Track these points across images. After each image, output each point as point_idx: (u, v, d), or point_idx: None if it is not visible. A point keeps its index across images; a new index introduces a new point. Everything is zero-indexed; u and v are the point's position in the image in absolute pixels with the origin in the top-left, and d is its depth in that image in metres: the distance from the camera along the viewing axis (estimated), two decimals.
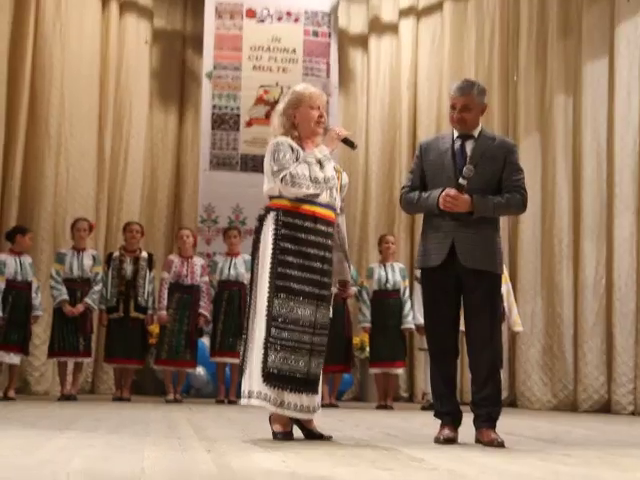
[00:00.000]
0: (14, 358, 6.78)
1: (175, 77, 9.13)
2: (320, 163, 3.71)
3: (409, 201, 4.01)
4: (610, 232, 7.78)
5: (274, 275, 3.66)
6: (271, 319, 3.64)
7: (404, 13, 9.23)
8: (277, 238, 3.69)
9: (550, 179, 8.19)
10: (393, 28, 9.28)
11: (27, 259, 6.95)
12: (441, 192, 3.81)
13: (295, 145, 3.76)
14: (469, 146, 3.94)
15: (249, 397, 3.67)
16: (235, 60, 8.72)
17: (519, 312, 7.37)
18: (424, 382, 7.43)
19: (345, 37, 9.28)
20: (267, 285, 3.67)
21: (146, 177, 8.78)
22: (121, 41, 8.78)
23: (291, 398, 3.63)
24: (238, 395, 3.97)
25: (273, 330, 3.63)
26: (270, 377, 3.61)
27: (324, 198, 3.76)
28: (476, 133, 3.99)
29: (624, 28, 7.86)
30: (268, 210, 3.78)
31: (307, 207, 3.71)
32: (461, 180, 3.76)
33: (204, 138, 8.59)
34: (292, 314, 3.65)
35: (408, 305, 7.20)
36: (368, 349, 7.41)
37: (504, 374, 7.24)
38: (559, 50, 8.27)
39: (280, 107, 3.88)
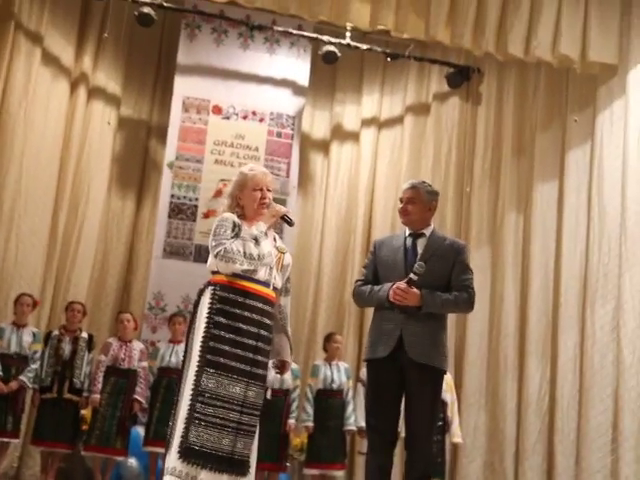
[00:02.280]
0: None
1: (136, 164, 9.17)
2: (256, 240, 3.74)
3: (361, 293, 4.11)
4: (555, 350, 7.88)
5: (205, 349, 3.64)
6: (197, 394, 3.58)
7: (366, 123, 9.51)
8: (211, 312, 3.70)
9: (498, 294, 8.32)
10: (354, 136, 9.54)
11: None
12: (392, 285, 3.88)
13: (238, 221, 3.83)
14: (420, 244, 4.09)
15: (165, 474, 3.54)
16: (198, 153, 8.83)
17: (461, 423, 7.33)
18: None
19: (307, 140, 9.49)
20: (197, 359, 3.64)
21: (97, 260, 8.67)
22: (86, 125, 8.83)
23: (210, 477, 3.49)
24: None
25: (198, 405, 3.56)
26: (188, 453, 3.50)
27: (262, 275, 3.78)
28: (428, 232, 4.14)
29: (574, 153, 8.23)
30: (207, 285, 3.81)
31: (242, 283, 3.74)
32: (412, 275, 3.86)
33: (160, 226, 8.57)
34: (220, 390, 3.60)
35: (351, 406, 7.10)
36: None
37: None
38: (512, 169, 8.58)
39: (228, 189, 4.01)
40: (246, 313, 3.71)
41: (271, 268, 3.84)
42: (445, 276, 4.02)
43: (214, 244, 3.74)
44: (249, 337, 3.69)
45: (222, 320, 3.67)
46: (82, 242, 8.52)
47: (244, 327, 3.69)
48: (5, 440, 6.68)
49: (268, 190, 3.93)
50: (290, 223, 3.99)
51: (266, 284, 3.80)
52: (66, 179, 8.58)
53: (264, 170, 4.02)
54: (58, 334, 6.94)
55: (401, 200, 4.14)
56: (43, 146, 8.46)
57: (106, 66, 9.09)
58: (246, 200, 3.91)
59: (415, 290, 3.87)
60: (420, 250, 4.06)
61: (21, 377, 6.70)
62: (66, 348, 6.87)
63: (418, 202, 4.12)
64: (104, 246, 8.79)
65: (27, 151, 8.23)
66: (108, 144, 8.98)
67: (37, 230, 8.23)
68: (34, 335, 6.93)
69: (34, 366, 6.78)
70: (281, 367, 4.01)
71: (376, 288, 4.02)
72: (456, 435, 7.06)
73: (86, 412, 6.98)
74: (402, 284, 3.87)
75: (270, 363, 3.89)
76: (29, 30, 8.44)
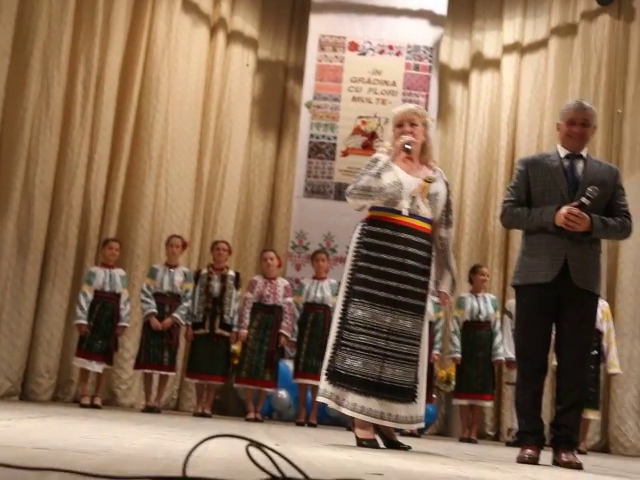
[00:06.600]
0: (96, 367, 6.87)
1: (275, 106, 9.28)
2: (378, 173, 3.83)
3: (517, 215, 3.96)
4: None
5: (352, 280, 3.82)
6: (344, 322, 3.77)
7: (507, 49, 9.13)
8: (359, 246, 3.88)
9: None
10: (495, 64, 9.19)
11: (118, 272, 7.11)
12: (557, 209, 3.74)
13: (384, 157, 3.94)
14: (578, 166, 3.92)
15: (317, 396, 3.83)
16: (335, 91, 8.80)
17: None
18: (511, 419, 7.15)
19: (446, 72, 9.24)
20: (345, 290, 3.84)
21: (241, 202, 8.90)
22: (225, 69, 9.01)
23: (357, 400, 3.68)
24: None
25: (345, 332, 3.76)
26: (334, 376, 3.71)
27: (404, 206, 3.80)
28: (584, 154, 3.99)
29: None
30: (359, 222, 3.95)
31: (386, 215, 3.85)
32: (584, 199, 3.75)
33: (300, 166, 8.66)
34: (365, 318, 3.73)
35: (499, 337, 6.98)
36: (454, 383, 7.20)
37: (598, 416, 6.93)
38: None
39: None
40: (388, 244, 3.79)
41: (414, 197, 3.82)
42: (604, 200, 3.87)
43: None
44: (393, 267, 3.77)
45: (367, 252, 3.80)
46: (226, 184, 8.77)
47: (387, 257, 3.78)
48: (163, 373, 7.04)
49: (413, 124, 3.93)
50: (408, 151, 3.94)
51: (414, 216, 3.81)
52: (209, 123, 8.81)
53: (409, 106, 4.12)
54: (207, 272, 7.19)
55: (572, 122, 3.93)
56: (186, 92, 8.70)
57: (243, 10, 9.19)
58: (394, 136, 4.02)
59: (586, 215, 3.74)
60: (579, 172, 3.90)
61: (175, 314, 7.01)
62: (215, 286, 7.10)
63: (592, 124, 3.98)
64: (247, 187, 9.00)
65: (171, 98, 8.49)
66: (247, 87, 9.12)
67: (184, 174, 8.53)
68: (185, 275, 7.20)
69: (186, 304, 7.07)
70: (440, 298, 4.03)
71: (536, 211, 3.88)
72: (613, 365, 6.79)
73: (236, 347, 7.24)
74: (575, 209, 3.73)
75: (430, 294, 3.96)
76: None
